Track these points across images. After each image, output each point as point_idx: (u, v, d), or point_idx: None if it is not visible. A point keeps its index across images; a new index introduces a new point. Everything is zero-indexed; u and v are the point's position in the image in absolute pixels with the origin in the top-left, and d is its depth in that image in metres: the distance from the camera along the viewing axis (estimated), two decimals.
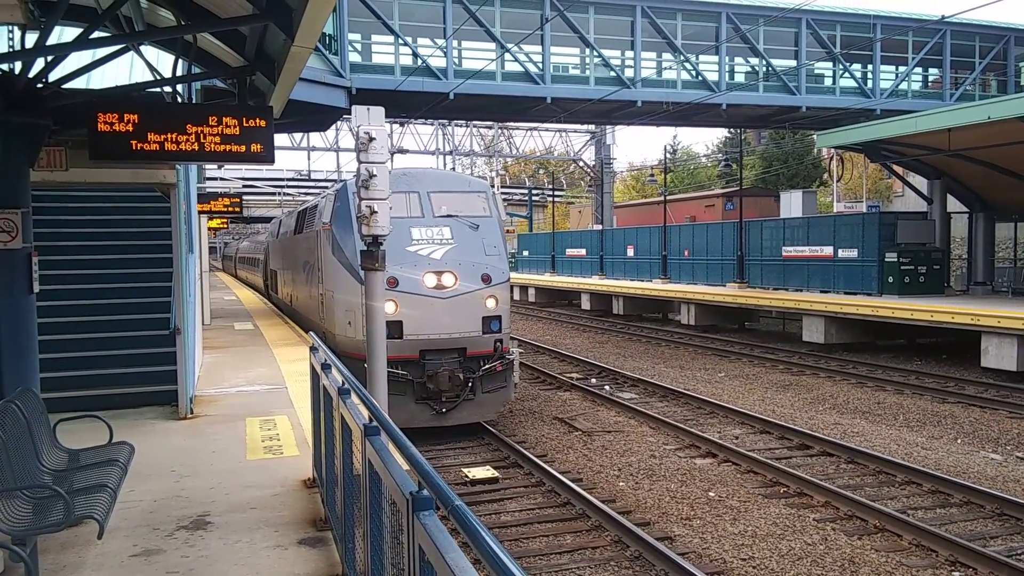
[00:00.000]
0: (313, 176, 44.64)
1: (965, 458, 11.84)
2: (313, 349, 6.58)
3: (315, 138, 40.07)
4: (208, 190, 25.78)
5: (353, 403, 4.35)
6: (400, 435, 3.07)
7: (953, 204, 25.91)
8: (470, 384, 12.56)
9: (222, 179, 37.29)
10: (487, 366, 12.72)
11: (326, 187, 33.58)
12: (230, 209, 20.68)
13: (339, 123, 33.91)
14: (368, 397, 4.00)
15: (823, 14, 27.34)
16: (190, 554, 5.18)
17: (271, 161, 6.57)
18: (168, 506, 6.15)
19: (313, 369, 6.54)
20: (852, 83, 28.81)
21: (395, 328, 11.93)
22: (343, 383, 4.65)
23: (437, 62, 23.50)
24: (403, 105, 24.42)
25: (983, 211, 25.30)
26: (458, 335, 12.50)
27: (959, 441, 12.95)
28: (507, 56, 24.33)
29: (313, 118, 21.82)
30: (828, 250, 24.72)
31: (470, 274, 12.58)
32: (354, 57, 23.21)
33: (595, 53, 25.51)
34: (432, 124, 40.80)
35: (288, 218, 23.02)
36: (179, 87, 6.98)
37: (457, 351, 12.54)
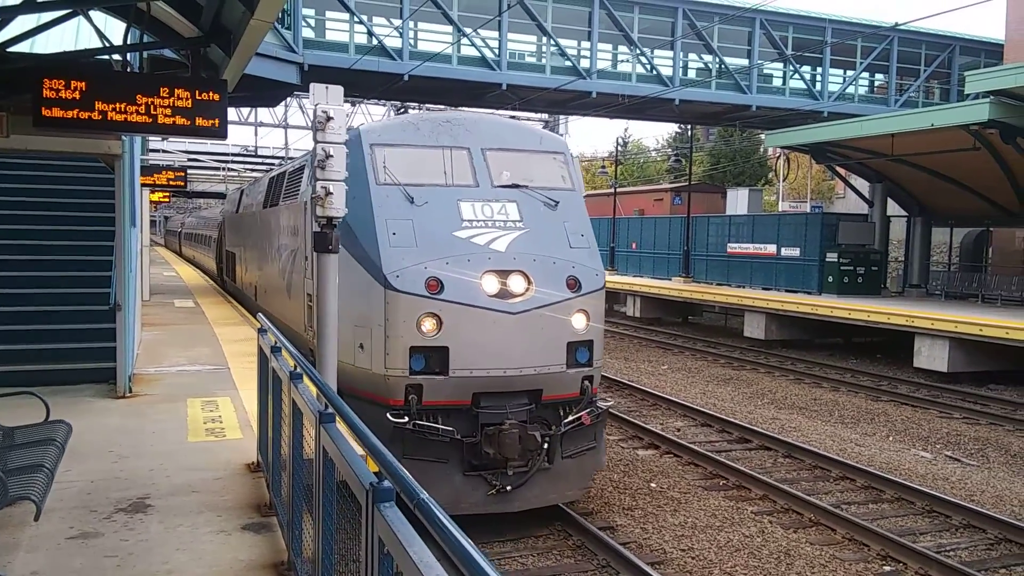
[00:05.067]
0: (260, 152, 43.77)
1: (897, 455, 12.22)
2: (262, 331, 6.45)
3: (263, 114, 39.25)
4: (151, 162, 25.09)
5: (306, 387, 4.28)
6: (358, 423, 3.02)
7: (892, 207, 26.63)
8: (546, 445, 8.55)
9: (164, 151, 36.29)
10: (572, 417, 8.71)
11: (272, 165, 32.64)
12: (174, 183, 20.10)
13: (288, 99, 33.26)
14: (324, 383, 3.94)
15: (776, 15, 27.73)
16: (129, 537, 5.05)
17: (224, 136, 6.41)
18: (106, 488, 5.98)
19: (261, 351, 6.42)
20: (801, 84, 29.33)
21: (437, 359, 8.16)
22: (295, 367, 4.56)
23: (393, 42, 23.21)
24: (356, 84, 24.04)
25: (921, 215, 26.06)
26: (532, 371, 8.46)
27: (891, 438, 13.36)
28: (464, 40, 24.15)
29: (264, 93, 21.36)
30: (772, 248, 25.20)
31: (550, 276, 8.62)
32: (307, 33, 22.78)
33: (552, 42, 25.47)
34: (384, 105, 40.35)
35: (255, 186, 18.42)
36: (128, 56, 6.74)
37: (528, 395, 8.57)
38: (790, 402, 16.05)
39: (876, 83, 31.99)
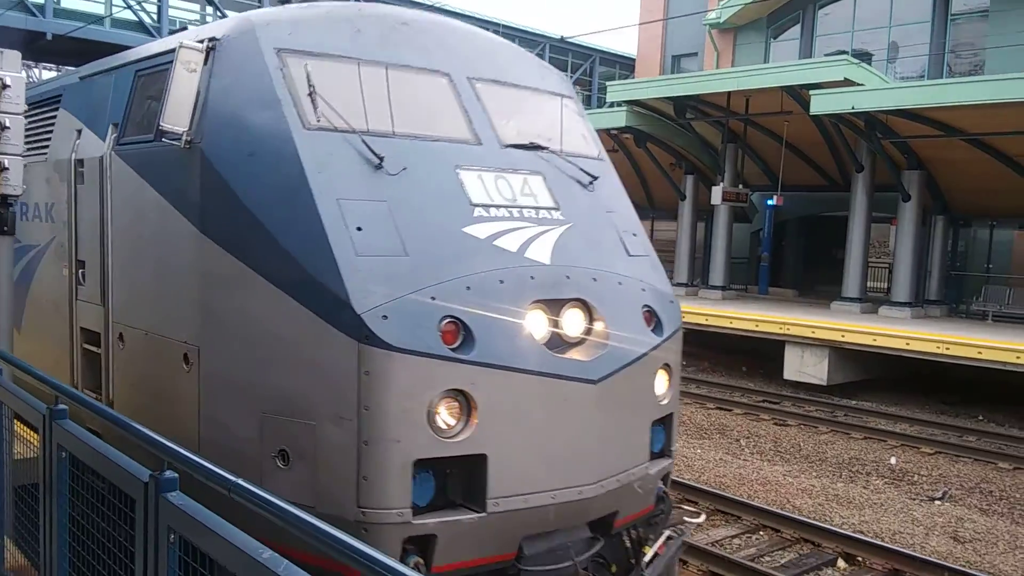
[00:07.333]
0: None
1: None
2: None
3: None
4: None
5: (7, 381, 3.88)
6: (111, 412, 2.91)
7: None
8: None
9: None
10: (651, 553, 5.12)
11: None
12: None
13: None
14: (42, 374, 3.63)
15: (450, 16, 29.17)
16: None
17: None
18: None
19: None
20: None
21: (460, 479, 4.23)
22: None
23: None
24: None
25: None
26: (614, 482, 4.70)
27: None
28: (119, 2, 22.16)
29: None
30: None
31: (620, 307, 4.94)
32: None
33: (219, 13, 24.30)
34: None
35: None
36: None
37: (596, 525, 4.79)
38: None
39: None
